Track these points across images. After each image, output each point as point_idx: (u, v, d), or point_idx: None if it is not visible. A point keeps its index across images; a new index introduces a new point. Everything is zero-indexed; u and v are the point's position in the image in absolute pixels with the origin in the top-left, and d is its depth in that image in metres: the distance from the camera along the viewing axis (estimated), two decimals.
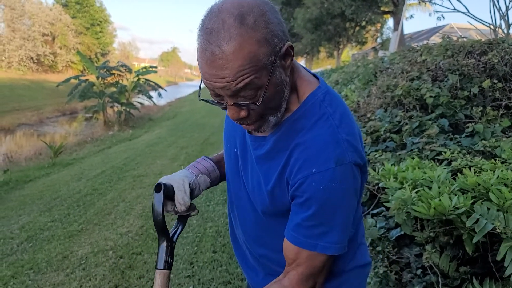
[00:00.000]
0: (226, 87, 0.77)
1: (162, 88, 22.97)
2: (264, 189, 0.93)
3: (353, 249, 1.05)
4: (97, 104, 19.42)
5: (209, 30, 0.75)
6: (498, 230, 1.51)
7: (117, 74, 20.74)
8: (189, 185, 1.00)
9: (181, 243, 3.54)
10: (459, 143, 2.72)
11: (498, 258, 1.50)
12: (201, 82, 0.85)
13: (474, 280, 1.67)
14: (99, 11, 54.56)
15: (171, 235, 1.01)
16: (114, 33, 61.03)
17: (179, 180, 1.00)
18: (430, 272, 1.96)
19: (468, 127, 2.84)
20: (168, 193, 0.97)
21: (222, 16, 0.74)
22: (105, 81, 20.08)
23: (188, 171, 1.07)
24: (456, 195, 1.74)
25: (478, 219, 1.57)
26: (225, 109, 0.85)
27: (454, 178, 2.04)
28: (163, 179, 1.01)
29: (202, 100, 0.88)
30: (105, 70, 20.21)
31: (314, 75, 0.98)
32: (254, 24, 0.74)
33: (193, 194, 1.03)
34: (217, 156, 1.20)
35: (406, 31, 19.22)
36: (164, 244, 0.98)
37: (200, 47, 0.77)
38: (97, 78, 19.59)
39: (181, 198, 0.98)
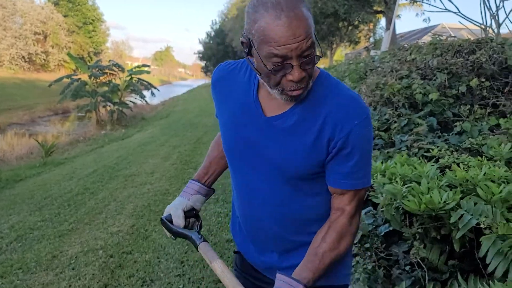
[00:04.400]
0: (299, 46, 0.90)
1: (155, 88, 22.89)
2: (300, 155, 1.06)
3: None
4: (89, 103, 19.33)
5: (276, 2, 0.90)
6: (482, 226, 1.52)
7: (110, 73, 20.65)
8: (182, 210, 1.26)
9: (171, 242, 3.54)
10: (447, 141, 2.75)
11: (481, 254, 1.51)
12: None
13: (459, 276, 1.69)
14: (92, 10, 54.14)
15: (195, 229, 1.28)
16: (107, 32, 60.69)
17: (175, 209, 1.27)
18: (417, 268, 1.97)
19: (456, 126, 2.87)
20: (171, 220, 1.27)
21: None
22: (98, 80, 19.98)
23: (182, 197, 1.33)
24: (445, 190, 1.75)
25: (462, 215, 1.58)
26: (283, 75, 0.95)
27: (442, 175, 2.05)
28: (165, 211, 1.30)
29: (270, 71, 0.95)
30: (97, 69, 20.10)
31: None
32: None
33: (193, 211, 1.29)
34: (200, 173, 1.40)
35: (398, 31, 19.26)
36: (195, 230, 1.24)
37: (272, 17, 0.89)
38: (90, 77, 19.49)
39: (176, 222, 1.26)
